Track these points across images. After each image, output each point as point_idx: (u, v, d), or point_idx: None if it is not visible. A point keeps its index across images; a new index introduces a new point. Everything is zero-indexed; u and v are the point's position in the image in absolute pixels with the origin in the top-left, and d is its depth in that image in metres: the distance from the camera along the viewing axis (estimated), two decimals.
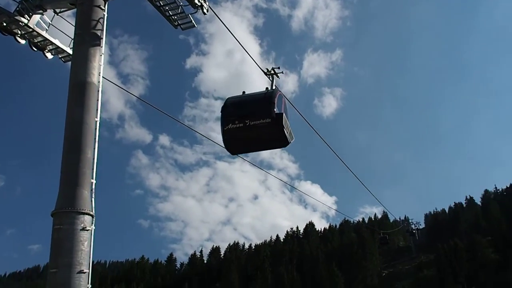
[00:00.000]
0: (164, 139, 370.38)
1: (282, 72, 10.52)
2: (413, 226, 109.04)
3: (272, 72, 10.57)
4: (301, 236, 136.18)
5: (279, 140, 9.51)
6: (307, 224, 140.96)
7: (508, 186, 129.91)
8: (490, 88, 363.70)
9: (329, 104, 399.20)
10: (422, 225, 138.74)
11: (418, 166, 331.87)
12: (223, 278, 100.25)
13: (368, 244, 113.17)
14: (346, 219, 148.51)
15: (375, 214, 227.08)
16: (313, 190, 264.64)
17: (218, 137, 9.87)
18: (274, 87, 10.17)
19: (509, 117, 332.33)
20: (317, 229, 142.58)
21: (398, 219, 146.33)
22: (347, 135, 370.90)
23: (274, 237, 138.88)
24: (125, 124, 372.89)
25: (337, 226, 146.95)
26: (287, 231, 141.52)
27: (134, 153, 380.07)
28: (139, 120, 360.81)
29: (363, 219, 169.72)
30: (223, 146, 9.80)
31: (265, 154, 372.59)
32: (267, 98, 9.39)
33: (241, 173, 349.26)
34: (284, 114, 9.33)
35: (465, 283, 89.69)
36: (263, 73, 10.53)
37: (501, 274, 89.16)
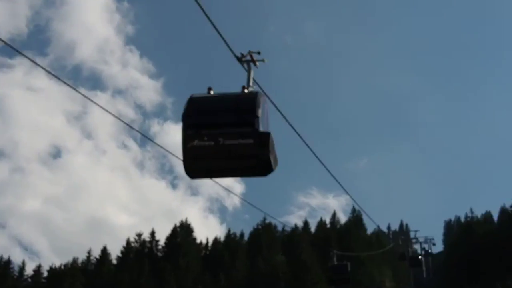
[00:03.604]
0: None
1: (263, 61, 7.18)
2: None
3: (249, 57, 7.12)
4: None
5: (260, 167, 6.59)
6: None
7: None
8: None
9: None
10: None
11: None
12: None
13: None
14: None
15: None
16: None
17: None
18: (251, 84, 7.12)
19: None
20: None
21: None
22: None
23: None
24: None
25: None
26: None
27: None
28: None
29: None
30: (181, 160, 6.54)
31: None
32: (248, 108, 6.37)
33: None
34: (270, 134, 6.49)
35: None
36: (236, 59, 7.10)
37: None
